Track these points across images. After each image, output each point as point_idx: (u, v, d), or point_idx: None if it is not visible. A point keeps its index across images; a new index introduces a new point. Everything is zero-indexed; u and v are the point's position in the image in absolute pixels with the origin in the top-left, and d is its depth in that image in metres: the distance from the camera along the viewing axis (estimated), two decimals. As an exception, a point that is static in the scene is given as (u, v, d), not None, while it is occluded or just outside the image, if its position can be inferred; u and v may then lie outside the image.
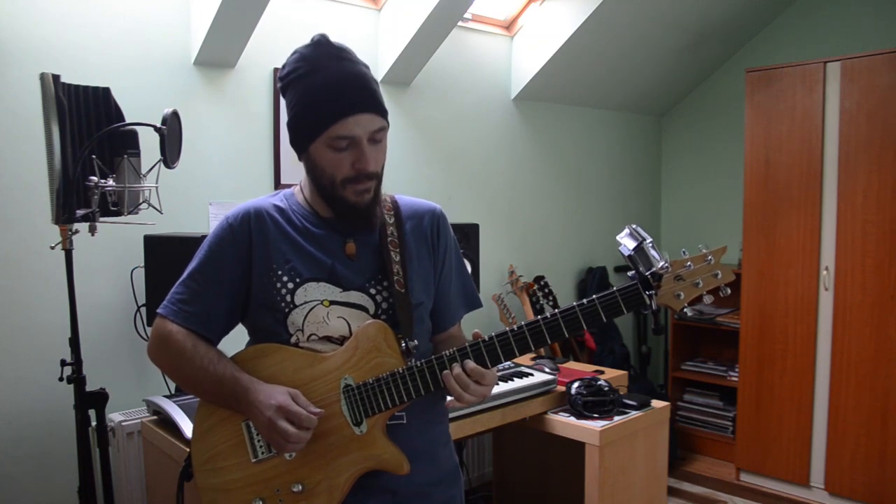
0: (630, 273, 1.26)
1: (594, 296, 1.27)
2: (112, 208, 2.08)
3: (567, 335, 1.29)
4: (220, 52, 2.75)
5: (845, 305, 3.48)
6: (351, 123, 1.32)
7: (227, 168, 2.87)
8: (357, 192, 1.37)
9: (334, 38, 1.40)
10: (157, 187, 2.19)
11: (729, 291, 1.26)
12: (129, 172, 2.11)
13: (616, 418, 2.62)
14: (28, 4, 2.37)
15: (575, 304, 1.28)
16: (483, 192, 3.85)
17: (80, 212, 1.99)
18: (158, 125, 1.98)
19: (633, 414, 2.67)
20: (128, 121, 2.12)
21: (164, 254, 2.37)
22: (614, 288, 1.26)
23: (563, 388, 2.80)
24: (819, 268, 3.57)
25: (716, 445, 4.30)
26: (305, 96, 1.34)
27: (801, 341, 3.63)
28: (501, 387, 2.64)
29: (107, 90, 2.11)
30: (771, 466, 3.76)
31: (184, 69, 2.74)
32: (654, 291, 1.23)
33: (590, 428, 2.55)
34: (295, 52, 1.39)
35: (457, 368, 1.32)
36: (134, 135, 2.14)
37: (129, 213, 2.11)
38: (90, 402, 2.07)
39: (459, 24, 3.43)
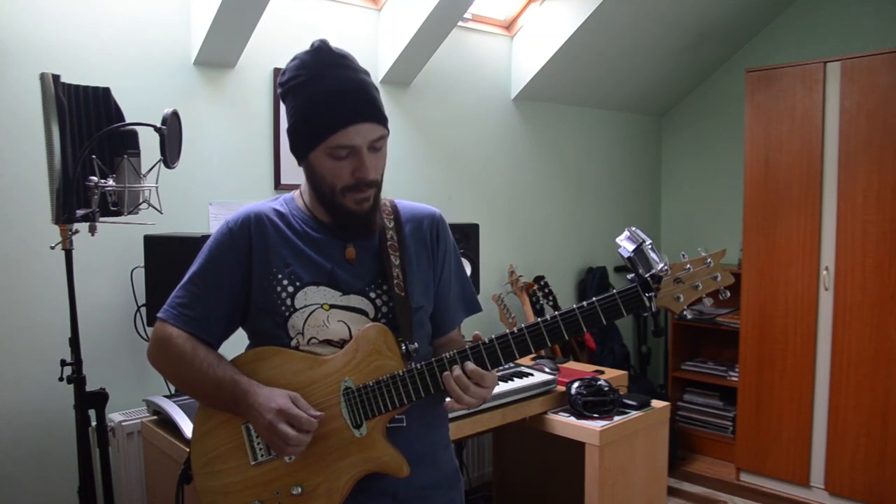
0: (630, 275, 1.27)
1: (594, 298, 1.27)
2: (112, 208, 2.08)
3: (567, 337, 1.30)
4: (220, 52, 2.75)
5: (845, 305, 3.48)
6: (351, 133, 1.32)
7: (227, 168, 2.87)
8: (357, 201, 1.38)
9: (334, 38, 1.40)
10: (157, 187, 2.19)
11: (728, 294, 1.26)
12: (129, 172, 2.11)
13: (616, 418, 2.62)
14: (28, 4, 2.37)
15: (575, 306, 1.28)
16: (483, 192, 3.85)
17: (80, 212, 1.99)
18: (158, 125, 1.98)
19: (633, 414, 2.67)
20: (128, 121, 2.12)
21: (164, 254, 2.37)
22: (614, 290, 1.26)
23: (563, 388, 2.80)
24: (819, 268, 3.57)
25: (716, 445, 4.30)
26: (305, 105, 1.34)
27: (801, 341, 3.63)
28: (501, 387, 2.64)
29: (107, 90, 2.11)
30: (771, 466, 3.76)
31: (184, 69, 2.73)
32: (653, 294, 1.23)
33: (590, 428, 2.55)
34: (295, 59, 1.38)
35: (457, 370, 1.33)
36: (134, 135, 2.14)
37: (129, 213, 2.11)
38: (90, 402, 2.07)
39: (459, 24, 3.43)
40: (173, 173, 2.16)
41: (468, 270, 3.10)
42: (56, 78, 1.93)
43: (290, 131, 1.40)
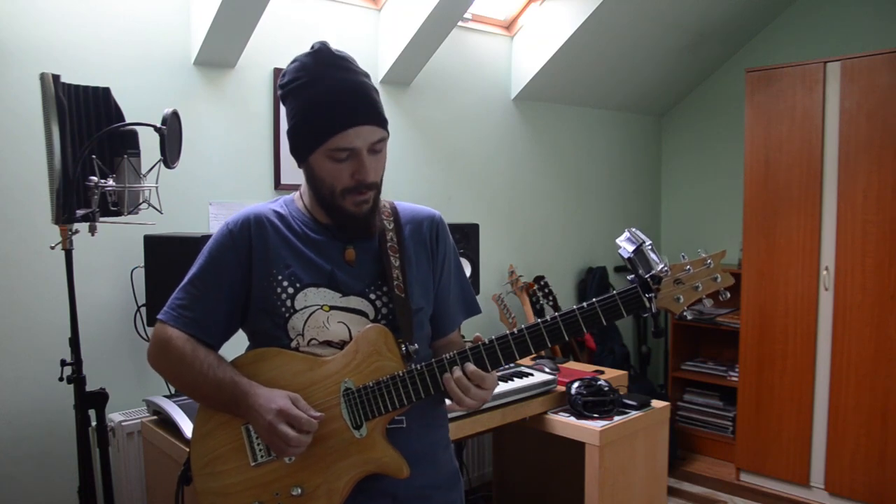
0: (630, 276, 1.27)
1: (594, 299, 1.27)
2: (112, 208, 2.08)
3: (567, 338, 1.30)
4: (220, 52, 2.75)
5: (845, 305, 3.48)
6: (351, 135, 1.32)
7: (227, 168, 2.87)
8: (356, 203, 1.38)
9: (334, 38, 1.41)
10: (157, 187, 2.18)
11: (728, 295, 1.26)
12: (129, 172, 2.11)
13: (616, 418, 2.62)
14: (28, 4, 2.36)
15: (575, 307, 1.28)
16: (483, 192, 3.85)
17: (80, 212, 1.99)
18: (158, 125, 1.98)
19: (633, 414, 2.67)
20: (128, 121, 2.12)
21: (164, 254, 2.37)
22: (614, 291, 1.26)
23: (563, 388, 2.80)
24: (819, 268, 3.57)
25: (716, 445, 4.30)
26: (305, 107, 1.34)
27: (801, 341, 3.63)
28: (501, 387, 2.64)
29: (107, 90, 2.11)
30: (771, 466, 3.76)
31: (184, 69, 2.73)
32: (653, 294, 1.23)
33: (590, 428, 2.55)
34: (295, 61, 1.39)
35: (457, 372, 1.33)
36: (134, 135, 2.14)
37: (129, 213, 2.11)
38: (90, 402, 2.07)
39: (459, 24, 3.43)
40: (173, 173, 2.16)
41: (468, 271, 3.10)
42: (56, 78, 1.93)
43: (290, 133, 1.40)
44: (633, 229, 1.26)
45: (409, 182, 3.48)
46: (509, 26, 3.88)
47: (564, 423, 2.65)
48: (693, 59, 4.46)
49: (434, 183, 3.60)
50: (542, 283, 3.77)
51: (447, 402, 1.43)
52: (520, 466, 3.43)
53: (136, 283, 2.56)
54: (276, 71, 2.95)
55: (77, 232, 2.04)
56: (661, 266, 1.22)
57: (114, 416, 2.45)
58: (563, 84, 4.03)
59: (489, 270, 3.76)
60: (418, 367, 1.35)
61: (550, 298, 3.75)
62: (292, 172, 3.00)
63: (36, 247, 2.37)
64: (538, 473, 3.34)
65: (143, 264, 2.47)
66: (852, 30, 4.06)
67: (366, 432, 1.36)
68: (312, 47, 1.38)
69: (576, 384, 2.75)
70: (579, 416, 2.66)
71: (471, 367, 1.32)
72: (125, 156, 2.10)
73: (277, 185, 3.01)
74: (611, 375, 3.04)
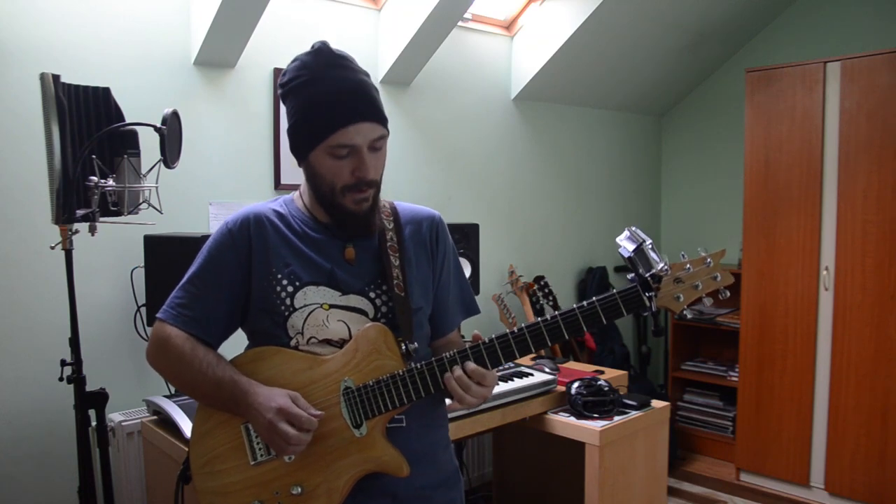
0: (630, 275, 1.27)
1: (594, 298, 1.27)
2: (112, 208, 2.08)
3: (567, 337, 1.30)
4: (220, 52, 2.75)
5: (845, 305, 3.48)
6: (351, 132, 1.33)
7: (227, 168, 2.87)
8: (356, 201, 1.38)
9: (334, 38, 1.41)
10: (157, 187, 2.19)
11: (728, 294, 1.26)
12: (129, 172, 2.11)
13: (616, 418, 2.62)
14: (28, 4, 2.37)
15: (575, 306, 1.29)
16: (483, 192, 3.85)
17: (80, 212, 1.99)
18: (158, 125, 1.98)
19: (633, 414, 2.67)
20: (128, 121, 2.12)
21: (164, 254, 2.37)
22: (614, 290, 1.27)
23: (563, 388, 2.80)
24: (819, 268, 3.57)
25: (716, 445, 4.30)
26: (306, 104, 1.35)
27: (801, 341, 3.63)
28: (501, 387, 2.64)
29: (107, 90, 2.11)
30: (771, 466, 3.76)
31: (184, 69, 2.73)
32: (653, 293, 1.23)
33: (590, 428, 2.55)
34: (296, 60, 1.39)
35: (457, 370, 1.33)
36: (134, 135, 2.14)
37: (129, 213, 2.11)
38: (90, 402, 2.07)
39: (459, 24, 3.43)
40: (173, 173, 2.16)
41: (468, 271, 3.10)
42: (56, 78, 1.93)
43: (290, 131, 1.40)
44: (634, 228, 1.26)
45: (409, 182, 3.48)
46: (509, 26, 3.88)
47: (564, 423, 2.65)
48: (693, 59, 4.46)
49: (434, 183, 3.60)
50: (542, 283, 3.77)
51: (448, 400, 1.43)
52: (520, 466, 3.43)
53: (136, 283, 2.56)
54: (276, 71, 2.95)
55: (77, 232, 2.04)
56: (661, 265, 1.22)
57: (114, 416, 2.45)
58: (563, 84, 4.03)
59: (489, 270, 3.76)
60: (418, 365, 1.35)
61: (550, 298, 3.75)
62: (292, 172, 3.00)
63: (36, 247, 2.37)
64: (538, 473, 3.34)
65: (143, 264, 2.47)
66: (852, 30, 4.06)
67: (366, 431, 1.36)
68: (313, 47, 1.39)
69: (576, 384, 2.75)
70: (579, 416, 2.66)
71: (471, 365, 1.33)
72: (125, 156, 2.11)
73: (277, 185, 3.01)
74: (611, 375, 3.04)
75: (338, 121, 1.32)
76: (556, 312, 1.30)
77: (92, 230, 2.05)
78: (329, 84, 1.34)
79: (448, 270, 1.54)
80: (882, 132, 3.35)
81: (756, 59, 4.38)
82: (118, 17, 2.56)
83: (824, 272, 3.55)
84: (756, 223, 3.77)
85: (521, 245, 4.06)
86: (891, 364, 3.35)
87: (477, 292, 3.18)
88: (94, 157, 2.01)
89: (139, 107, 2.35)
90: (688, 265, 1.25)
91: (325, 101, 1.33)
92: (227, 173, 2.87)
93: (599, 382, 2.77)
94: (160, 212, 2.21)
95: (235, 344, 1.51)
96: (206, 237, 1.47)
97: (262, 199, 1.53)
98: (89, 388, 2.08)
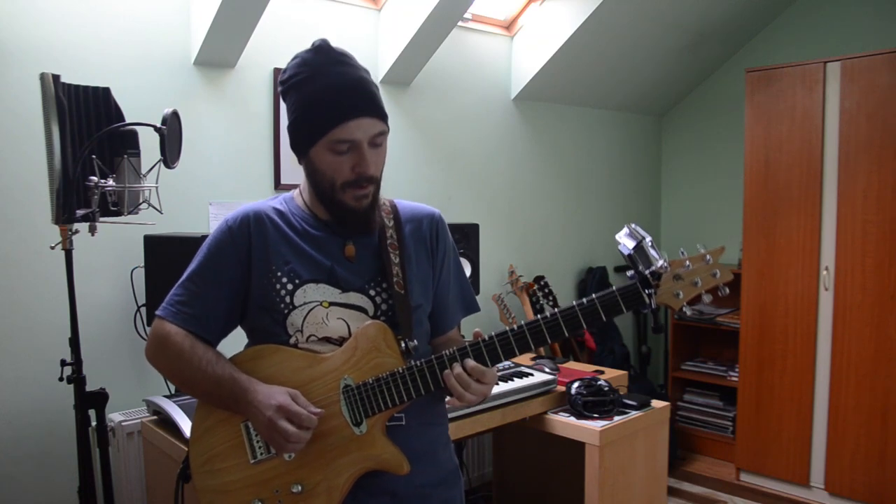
0: (629, 272, 1.27)
1: (594, 295, 1.27)
2: (112, 208, 2.08)
3: (567, 334, 1.30)
4: (220, 52, 2.75)
5: (845, 305, 3.48)
6: (352, 127, 1.33)
7: (227, 168, 2.87)
8: (356, 197, 1.38)
9: (334, 38, 1.41)
10: (157, 187, 2.19)
11: (727, 291, 1.26)
12: (129, 172, 2.11)
13: (616, 418, 2.62)
14: (28, 4, 2.37)
15: (574, 303, 1.28)
16: (483, 192, 3.85)
17: (80, 212, 1.99)
18: (158, 125, 1.98)
19: (633, 414, 2.67)
20: (128, 121, 2.12)
21: (164, 254, 2.37)
22: (614, 287, 1.26)
23: (563, 388, 2.80)
24: (819, 268, 3.57)
25: (716, 445, 4.30)
26: (306, 100, 1.35)
27: (801, 341, 3.63)
28: (501, 387, 2.64)
29: (107, 90, 2.11)
30: (771, 466, 3.76)
31: (184, 69, 2.74)
32: (653, 290, 1.23)
33: (590, 428, 2.55)
34: (296, 57, 1.39)
35: (457, 368, 1.33)
36: (134, 135, 2.14)
37: (129, 213, 2.11)
38: (90, 402, 2.07)
39: (459, 24, 3.43)
40: (173, 173, 2.16)
41: (468, 270, 3.10)
42: (56, 78, 1.93)
43: (290, 128, 1.40)
44: (633, 225, 1.26)
45: (409, 182, 3.48)
46: (509, 26, 3.88)
47: (564, 423, 2.65)
48: (693, 59, 4.46)
49: (434, 183, 3.60)
50: (542, 283, 3.77)
51: (448, 398, 1.43)
52: (520, 466, 3.43)
53: (136, 283, 2.56)
54: (276, 71, 2.96)
55: (77, 232, 2.04)
56: (660, 262, 1.22)
57: (114, 416, 2.45)
58: (563, 84, 4.04)
59: (489, 270, 3.77)
60: (418, 363, 1.35)
61: (550, 298, 3.75)
62: (292, 172, 3.00)
63: (36, 247, 2.37)
64: (538, 473, 3.33)
65: (143, 264, 2.47)
66: (852, 30, 4.06)
67: (366, 429, 1.36)
68: (313, 44, 1.39)
69: (576, 384, 2.75)
70: (579, 416, 2.66)
71: (471, 362, 1.32)
72: (125, 156, 2.11)
73: (277, 185, 3.01)
74: (611, 375, 3.04)
75: (338, 116, 1.32)
76: (556, 309, 1.29)
77: (92, 230, 2.05)
78: (330, 80, 1.34)
79: (448, 268, 1.54)
80: (882, 132, 3.35)
81: (756, 59, 4.38)
82: (118, 17, 2.56)
83: (824, 272, 3.55)
84: (756, 223, 3.77)
85: (521, 245, 4.06)
86: (891, 364, 3.35)
87: (477, 292, 3.18)
88: (94, 157, 2.01)
89: (139, 107, 2.36)
90: (687, 262, 1.25)
91: (326, 96, 1.33)
92: (227, 173, 2.87)
93: (599, 382, 2.77)
94: (160, 212, 2.21)
95: (235, 342, 1.51)
96: (206, 237, 1.47)
97: (262, 200, 1.53)
98: (89, 388, 2.08)
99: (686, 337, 4.55)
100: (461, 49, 3.64)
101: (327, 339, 1.40)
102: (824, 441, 3.56)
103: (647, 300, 1.24)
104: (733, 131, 4.48)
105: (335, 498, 1.36)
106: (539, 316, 1.30)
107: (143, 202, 2.16)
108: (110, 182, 2.04)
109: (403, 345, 1.38)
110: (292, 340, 1.41)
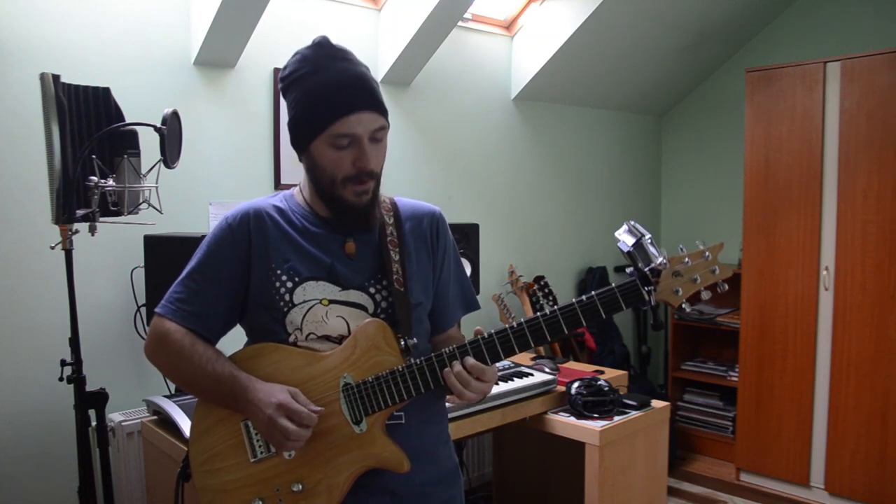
0: (629, 269, 1.27)
1: (593, 292, 1.27)
2: (112, 208, 2.08)
3: (567, 332, 1.30)
4: (220, 52, 2.75)
5: (845, 305, 3.48)
6: (353, 121, 1.33)
7: (227, 168, 2.87)
8: (356, 193, 1.38)
9: (334, 38, 1.41)
10: (157, 187, 2.19)
11: (727, 287, 1.26)
12: (129, 172, 2.11)
13: (616, 418, 2.62)
14: (28, 4, 2.37)
15: (574, 300, 1.28)
16: (483, 192, 3.85)
17: (80, 212, 1.99)
18: (158, 125, 1.98)
19: (633, 414, 2.67)
20: (128, 121, 2.12)
21: (164, 254, 2.37)
22: (613, 284, 1.26)
23: (563, 388, 2.80)
24: (819, 268, 3.57)
25: (716, 445, 4.30)
26: (307, 95, 1.35)
27: (801, 341, 3.63)
28: (501, 387, 2.64)
29: (107, 90, 2.11)
30: (771, 466, 3.76)
31: (184, 69, 2.74)
32: (652, 287, 1.23)
33: (590, 428, 2.55)
34: (296, 54, 1.40)
35: (457, 366, 1.32)
36: (134, 135, 2.14)
37: (129, 213, 2.12)
38: (90, 402, 2.07)
39: (459, 24, 3.43)
40: (173, 173, 2.16)
41: (468, 270, 3.10)
42: (56, 78, 1.93)
43: (291, 123, 1.40)
44: (633, 222, 1.26)
45: (409, 182, 3.48)
46: (509, 26, 3.88)
47: (564, 423, 2.65)
48: (693, 59, 4.46)
49: (434, 183, 3.60)
50: (542, 283, 3.77)
51: (448, 396, 1.42)
52: (520, 466, 3.43)
53: (136, 283, 2.56)
54: (276, 71, 2.96)
55: (77, 232, 2.04)
56: (660, 259, 1.22)
57: (114, 416, 2.45)
58: (563, 84, 4.04)
59: (489, 270, 3.77)
60: (417, 361, 1.35)
61: (550, 298, 3.75)
62: (292, 172, 3.01)
63: (36, 247, 2.37)
64: (538, 473, 3.33)
65: (143, 264, 2.47)
66: (852, 30, 4.06)
67: (366, 427, 1.36)
68: (313, 41, 1.40)
69: (576, 384, 2.75)
70: (579, 416, 2.66)
71: (470, 360, 1.32)
72: (125, 156, 2.11)
73: (277, 184, 3.01)
74: (611, 375, 3.04)
75: (339, 110, 1.32)
76: (556, 307, 1.29)
77: (92, 230, 2.06)
78: (330, 75, 1.34)
79: (448, 266, 1.54)
80: (882, 132, 3.35)
81: (756, 59, 4.38)
82: (118, 17, 2.56)
83: (824, 272, 3.55)
84: (756, 223, 3.77)
85: (521, 245, 4.06)
86: (891, 364, 3.35)
87: (477, 292, 3.17)
88: (94, 157, 2.01)
89: (139, 107, 2.36)
90: (686, 258, 1.25)
91: (327, 91, 1.33)
92: (227, 173, 2.88)
93: (599, 382, 2.77)
94: (160, 212, 2.21)
95: (234, 340, 1.51)
96: (205, 237, 1.47)
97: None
98: (89, 388, 2.08)
99: (686, 337, 4.55)
100: (461, 49, 3.64)
101: (327, 338, 1.40)
102: (824, 441, 3.56)
103: (646, 297, 1.24)
104: (733, 131, 4.48)
105: (335, 497, 1.36)
106: (539, 314, 1.30)
107: (143, 202, 2.16)
108: (110, 182, 2.04)
109: (403, 343, 1.38)
110: (291, 339, 1.41)
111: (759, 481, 3.83)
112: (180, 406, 2.23)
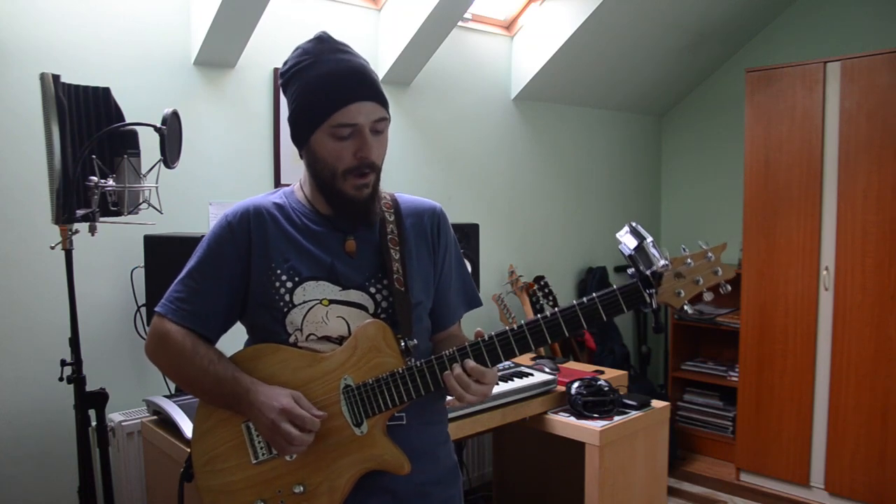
0: (630, 271, 1.26)
1: (594, 294, 1.26)
2: (112, 208, 2.08)
3: (567, 334, 1.29)
4: (220, 52, 2.75)
5: (845, 305, 3.48)
6: (353, 111, 1.33)
7: (227, 168, 2.87)
8: (356, 187, 1.37)
9: (335, 36, 1.41)
10: (157, 187, 2.19)
11: (729, 288, 1.25)
12: (129, 172, 2.11)
13: (616, 418, 2.62)
14: (28, 4, 2.37)
15: (575, 302, 1.28)
16: (483, 192, 3.85)
17: (80, 212, 1.99)
18: (158, 125, 1.98)
19: (633, 414, 2.67)
20: (128, 121, 2.12)
21: (164, 254, 2.37)
22: (614, 286, 1.26)
23: (563, 388, 2.79)
24: (819, 268, 3.57)
25: (716, 445, 4.30)
26: (308, 85, 1.35)
27: (801, 341, 3.63)
28: (501, 387, 2.64)
29: (107, 90, 2.11)
30: (771, 466, 3.76)
31: (184, 69, 2.74)
32: (654, 290, 1.23)
33: (590, 428, 2.55)
34: (297, 48, 1.40)
35: (457, 368, 1.32)
36: (134, 135, 2.14)
37: (129, 213, 2.11)
38: (90, 402, 2.07)
39: (459, 24, 3.43)
40: (173, 173, 2.16)
41: (468, 270, 3.10)
42: (56, 78, 1.93)
43: (291, 116, 1.40)
44: (634, 224, 1.26)
45: (409, 182, 3.48)
46: (509, 26, 3.88)
47: (564, 423, 2.65)
48: (693, 59, 4.46)
49: (434, 183, 3.60)
50: (542, 283, 3.77)
51: (448, 397, 1.42)
52: (520, 466, 3.43)
53: (136, 283, 2.56)
54: (276, 71, 2.96)
55: (77, 232, 2.04)
56: (661, 262, 1.21)
57: (114, 416, 2.45)
58: (563, 84, 4.03)
59: (489, 270, 3.76)
60: (418, 363, 1.35)
61: (550, 298, 3.75)
62: (292, 172, 3.00)
63: (36, 247, 2.36)
64: (538, 473, 3.33)
65: (143, 264, 2.47)
66: (852, 30, 4.06)
67: (366, 429, 1.36)
68: (314, 36, 1.40)
69: (576, 384, 2.75)
70: (579, 416, 2.66)
71: (470, 363, 1.32)
72: (125, 156, 2.11)
73: (277, 184, 3.01)
74: (611, 375, 3.03)
75: (340, 100, 1.32)
76: (556, 309, 1.29)
77: (92, 230, 2.05)
78: (331, 65, 1.34)
79: (450, 263, 1.54)
80: (882, 132, 3.35)
81: (756, 59, 4.38)
82: (118, 17, 2.56)
83: (824, 272, 3.55)
84: (756, 223, 3.77)
85: (521, 245, 4.06)
86: (891, 364, 3.35)
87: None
88: (94, 157, 2.01)
89: (139, 107, 2.35)
90: (689, 259, 1.25)
91: (328, 80, 1.33)
92: (227, 173, 2.87)
93: (599, 382, 2.76)
94: (160, 212, 2.21)
95: (234, 339, 1.51)
96: (205, 235, 1.47)
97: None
98: (89, 388, 2.08)
99: (686, 337, 4.55)
100: (461, 49, 3.63)
101: (327, 338, 1.40)
102: (824, 441, 3.56)
103: (648, 300, 1.23)
104: (733, 131, 4.48)
105: (336, 498, 1.36)
106: (539, 315, 1.30)
107: (143, 202, 2.16)
108: (110, 182, 2.04)
109: (403, 344, 1.37)
110: (292, 339, 1.40)
111: (759, 481, 3.83)
112: (180, 406, 2.23)
